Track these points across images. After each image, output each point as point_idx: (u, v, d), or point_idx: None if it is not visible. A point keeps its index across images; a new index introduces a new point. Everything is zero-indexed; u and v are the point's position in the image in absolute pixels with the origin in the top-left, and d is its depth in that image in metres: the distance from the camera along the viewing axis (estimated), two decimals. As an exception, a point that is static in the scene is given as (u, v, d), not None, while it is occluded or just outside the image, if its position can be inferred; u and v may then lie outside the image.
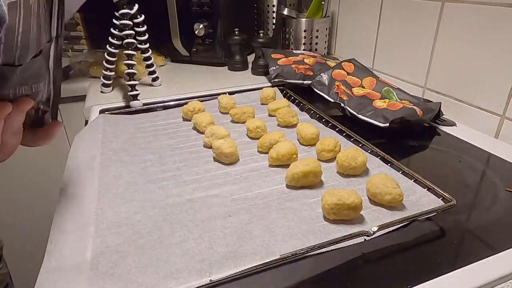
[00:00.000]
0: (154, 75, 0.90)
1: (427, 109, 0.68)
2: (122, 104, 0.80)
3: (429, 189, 0.47)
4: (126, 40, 0.77)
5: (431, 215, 0.43)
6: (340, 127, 0.65)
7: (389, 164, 0.54)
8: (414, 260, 0.38)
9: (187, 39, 1.05)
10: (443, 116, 0.71)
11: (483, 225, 0.43)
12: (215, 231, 0.41)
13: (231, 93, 0.79)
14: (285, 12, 1.03)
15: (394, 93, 0.74)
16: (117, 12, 0.76)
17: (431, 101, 0.73)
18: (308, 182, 0.49)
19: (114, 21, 0.78)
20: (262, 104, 0.80)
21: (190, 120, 0.69)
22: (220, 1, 0.99)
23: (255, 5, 1.20)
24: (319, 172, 0.49)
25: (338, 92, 0.75)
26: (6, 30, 0.27)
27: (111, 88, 0.87)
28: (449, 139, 0.65)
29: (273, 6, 1.15)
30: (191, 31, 1.03)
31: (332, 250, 0.38)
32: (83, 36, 1.24)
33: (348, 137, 0.62)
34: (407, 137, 0.65)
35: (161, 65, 1.09)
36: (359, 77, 0.80)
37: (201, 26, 1.01)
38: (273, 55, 0.94)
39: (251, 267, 0.36)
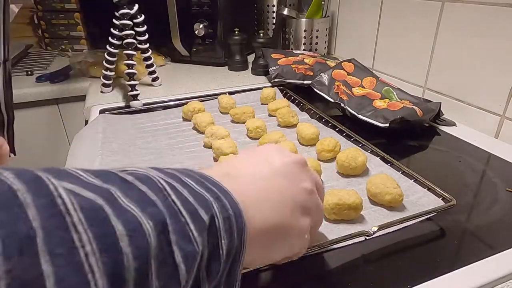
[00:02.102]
0: (154, 75, 0.90)
1: (427, 109, 0.68)
2: (122, 104, 0.80)
3: (429, 189, 0.47)
4: (126, 40, 0.77)
5: (431, 215, 0.43)
6: (340, 127, 0.65)
7: (389, 164, 0.54)
8: (414, 260, 0.38)
9: (187, 39, 1.05)
10: (443, 116, 0.71)
11: (483, 225, 0.43)
12: None
13: (231, 93, 0.79)
14: (285, 12, 1.03)
15: (394, 93, 0.74)
16: (117, 12, 0.76)
17: (431, 101, 0.73)
18: (308, 182, 0.49)
19: (114, 21, 0.78)
20: (262, 104, 0.80)
21: (190, 120, 0.69)
22: (220, 1, 0.99)
23: (255, 5, 1.20)
24: (318, 172, 0.49)
25: (338, 92, 0.75)
26: None
27: (111, 88, 0.87)
28: (449, 139, 0.65)
29: (273, 6, 1.15)
30: (191, 31, 1.03)
31: (332, 250, 0.38)
32: (83, 36, 1.24)
33: (348, 137, 0.62)
34: (407, 137, 0.65)
35: (161, 65, 1.09)
36: (359, 77, 0.80)
37: (201, 26, 1.01)
38: (273, 55, 0.94)
39: (251, 267, 0.36)
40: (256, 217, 0.25)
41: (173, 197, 0.18)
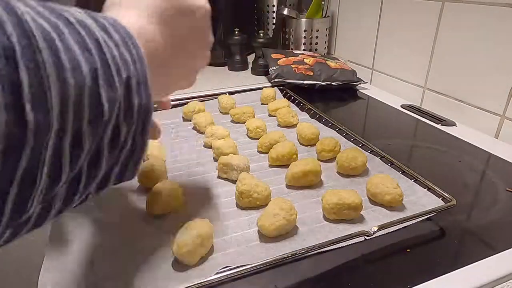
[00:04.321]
0: (154, 75, 0.90)
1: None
2: (122, 104, 0.80)
3: (429, 189, 0.47)
4: (126, 40, 0.77)
5: (431, 215, 0.43)
6: (340, 127, 0.65)
7: (389, 164, 0.53)
8: (414, 260, 0.38)
9: (187, 39, 1.05)
10: (443, 116, 0.71)
11: (483, 225, 0.43)
12: (216, 237, 0.41)
13: (231, 93, 0.79)
14: (285, 12, 1.03)
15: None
16: (117, 12, 0.76)
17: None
18: (308, 181, 0.49)
19: (114, 21, 0.78)
20: (262, 104, 0.80)
21: (190, 120, 0.69)
22: (220, 1, 0.99)
23: (255, 5, 1.20)
24: (318, 172, 0.49)
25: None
26: None
27: (111, 88, 0.87)
28: (449, 139, 0.65)
29: (273, 6, 1.15)
30: (191, 31, 1.02)
31: (332, 250, 0.38)
32: (83, 36, 1.24)
33: (348, 137, 0.62)
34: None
35: (161, 65, 1.09)
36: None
37: (201, 26, 1.01)
38: (273, 55, 0.94)
39: (251, 267, 0.36)
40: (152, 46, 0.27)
41: (105, 49, 0.20)
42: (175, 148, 0.61)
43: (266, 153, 0.58)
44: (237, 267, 0.36)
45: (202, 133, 0.65)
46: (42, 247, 0.38)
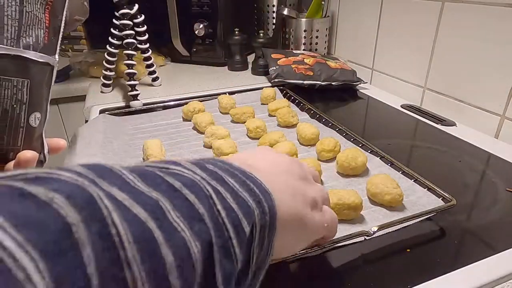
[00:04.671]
0: (154, 75, 0.90)
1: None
2: (122, 104, 0.80)
3: (429, 189, 0.47)
4: (126, 40, 0.77)
5: (431, 215, 0.43)
6: (340, 127, 0.65)
7: (389, 164, 0.53)
8: (414, 260, 0.38)
9: (187, 39, 1.05)
10: (443, 116, 0.71)
11: (483, 225, 0.43)
12: None
13: (231, 93, 0.79)
14: (285, 12, 1.03)
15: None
16: (117, 12, 0.76)
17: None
18: (308, 182, 0.49)
19: (114, 21, 0.78)
20: (262, 104, 0.80)
21: (190, 120, 0.69)
22: (220, 1, 0.99)
23: (255, 5, 1.20)
24: (318, 172, 0.49)
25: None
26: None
27: (111, 88, 0.87)
28: (449, 139, 0.65)
29: (273, 6, 1.15)
30: (191, 31, 1.03)
31: (332, 250, 0.38)
32: (83, 36, 1.24)
33: (348, 137, 0.62)
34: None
35: (161, 65, 1.09)
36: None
37: (201, 26, 1.01)
38: (273, 55, 0.94)
39: (251, 267, 0.36)
40: (280, 209, 0.25)
41: (219, 206, 0.18)
42: (175, 148, 0.61)
43: (266, 153, 0.57)
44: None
45: (202, 133, 0.65)
46: None
